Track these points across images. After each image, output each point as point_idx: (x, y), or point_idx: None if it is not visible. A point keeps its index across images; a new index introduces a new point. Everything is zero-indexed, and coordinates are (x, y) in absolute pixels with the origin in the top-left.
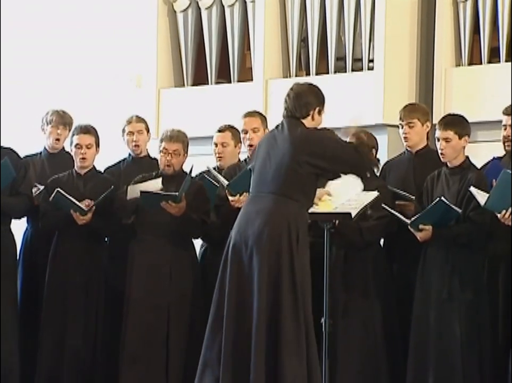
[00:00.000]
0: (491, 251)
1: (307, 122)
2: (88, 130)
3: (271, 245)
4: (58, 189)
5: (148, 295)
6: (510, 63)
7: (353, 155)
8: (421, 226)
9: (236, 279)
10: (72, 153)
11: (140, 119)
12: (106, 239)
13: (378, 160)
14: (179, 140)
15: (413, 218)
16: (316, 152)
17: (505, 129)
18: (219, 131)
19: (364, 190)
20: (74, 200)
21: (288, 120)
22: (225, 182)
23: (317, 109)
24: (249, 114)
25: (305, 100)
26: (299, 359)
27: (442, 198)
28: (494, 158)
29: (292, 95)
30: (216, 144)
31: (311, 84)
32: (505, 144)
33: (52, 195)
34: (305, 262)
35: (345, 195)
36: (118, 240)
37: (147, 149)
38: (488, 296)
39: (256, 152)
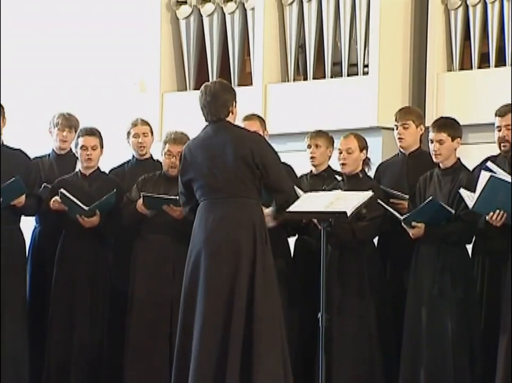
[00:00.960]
0: (486, 250)
1: (230, 118)
2: (92, 132)
3: (246, 247)
4: (61, 189)
5: (151, 292)
6: (499, 68)
7: (284, 173)
8: (413, 223)
9: (210, 283)
10: (78, 155)
11: (145, 122)
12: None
13: (369, 159)
14: (183, 142)
15: (406, 215)
16: (254, 151)
17: (499, 130)
18: None
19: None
20: (76, 200)
21: (216, 124)
22: None
23: (233, 103)
24: (249, 117)
25: (222, 100)
26: (274, 358)
27: (434, 197)
28: (487, 158)
29: (209, 99)
30: None
31: (220, 82)
32: (501, 145)
33: (58, 197)
34: (272, 262)
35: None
36: (123, 239)
37: (150, 152)
38: (484, 294)
39: (187, 164)
